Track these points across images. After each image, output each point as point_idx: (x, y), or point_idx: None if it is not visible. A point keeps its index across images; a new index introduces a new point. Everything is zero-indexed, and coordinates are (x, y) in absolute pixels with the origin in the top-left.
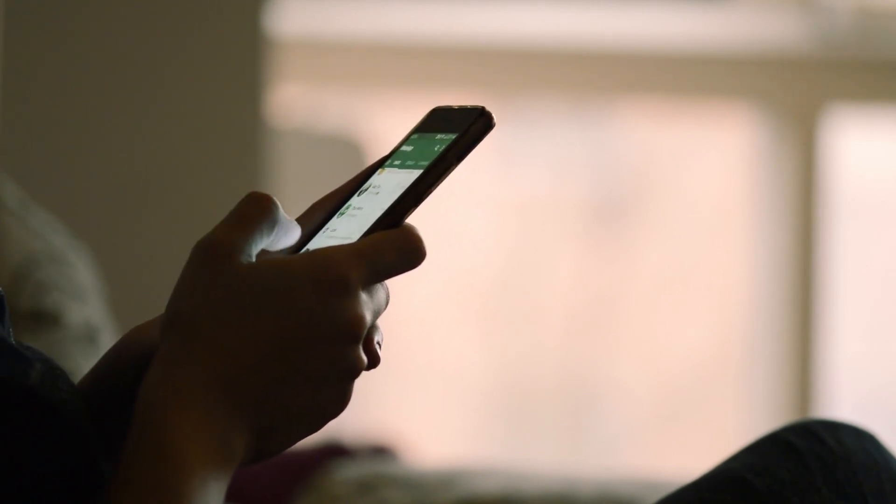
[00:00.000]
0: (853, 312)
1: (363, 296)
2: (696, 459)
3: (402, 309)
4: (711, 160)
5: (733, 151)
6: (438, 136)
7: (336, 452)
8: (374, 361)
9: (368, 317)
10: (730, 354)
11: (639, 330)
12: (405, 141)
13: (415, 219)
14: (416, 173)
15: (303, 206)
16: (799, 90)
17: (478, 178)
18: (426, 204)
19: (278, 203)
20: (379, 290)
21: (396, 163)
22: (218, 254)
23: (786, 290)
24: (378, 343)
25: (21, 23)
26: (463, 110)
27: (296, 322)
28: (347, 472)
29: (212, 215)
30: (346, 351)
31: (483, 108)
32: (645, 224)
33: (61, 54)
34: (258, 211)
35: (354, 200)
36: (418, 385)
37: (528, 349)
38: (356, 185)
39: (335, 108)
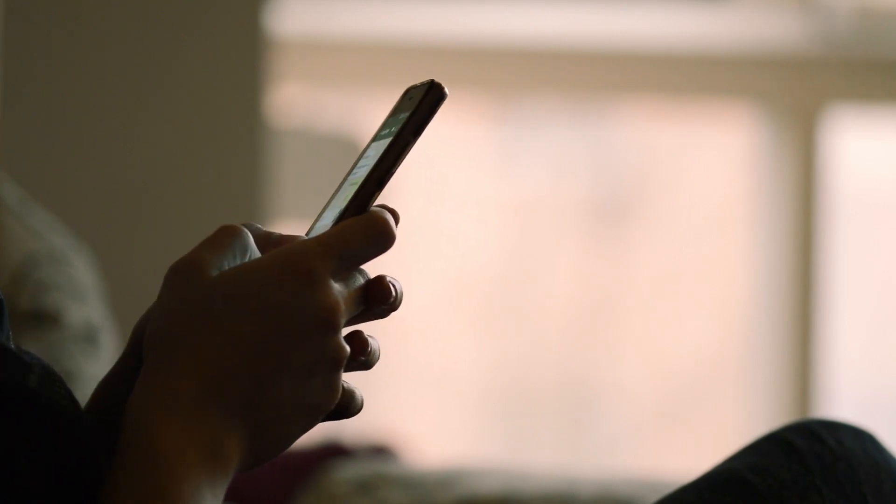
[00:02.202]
0: (853, 312)
1: (335, 285)
2: (696, 459)
3: (402, 309)
4: (711, 160)
5: (733, 151)
6: (400, 116)
7: (336, 452)
8: (361, 349)
9: (343, 305)
10: (730, 354)
11: (639, 330)
12: (383, 124)
13: (414, 218)
14: (377, 157)
15: (303, 206)
16: (799, 90)
17: (478, 178)
18: (426, 204)
19: (249, 233)
20: (356, 277)
21: (371, 147)
22: (190, 272)
23: (786, 290)
24: (367, 339)
25: (21, 23)
26: (420, 87)
27: (270, 319)
28: (347, 472)
29: (212, 215)
30: (325, 340)
31: (432, 81)
32: (645, 224)
33: (61, 54)
34: (230, 237)
35: (342, 187)
36: (418, 385)
37: (528, 349)
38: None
39: (335, 108)
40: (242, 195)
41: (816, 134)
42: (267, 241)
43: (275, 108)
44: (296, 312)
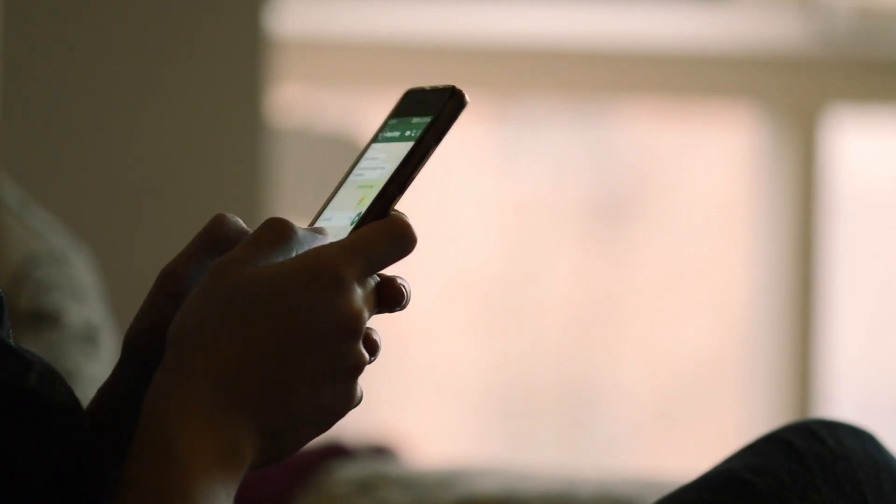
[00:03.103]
0: (853, 312)
1: (358, 290)
2: (696, 459)
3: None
4: (711, 160)
5: (733, 151)
6: (414, 121)
7: (336, 452)
8: (373, 350)
9: (366, 311)
10: (730, 354)
11: (639, 330)
12: (384, 127)
13: (414, 218)
14: (397, 161)
15: (303, 206)
16: (799, 90)
17: (478, 178)
18: (426, 204)
19: (295, 226)
20: (369, 281)
21: (378, 150)
22: (227, 271)
23: (786, 290)
24: (376, 340)
25: (21, 23)
26: (435, 91)
27: (295, 322)
28: (347, 472)
29: (212, 215)
30: (347, 347)
31: (454, 88)
32: (645, 224)
33: (61, 54)
34: (274, 234)
35: (343, 188)
36: (418, 385)
37: (528, 349)
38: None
39: (335, 108)
40: (242, 195)
41: (816, 134)
42: (244, 237)
43: (275, 108)
44: (320, 318)
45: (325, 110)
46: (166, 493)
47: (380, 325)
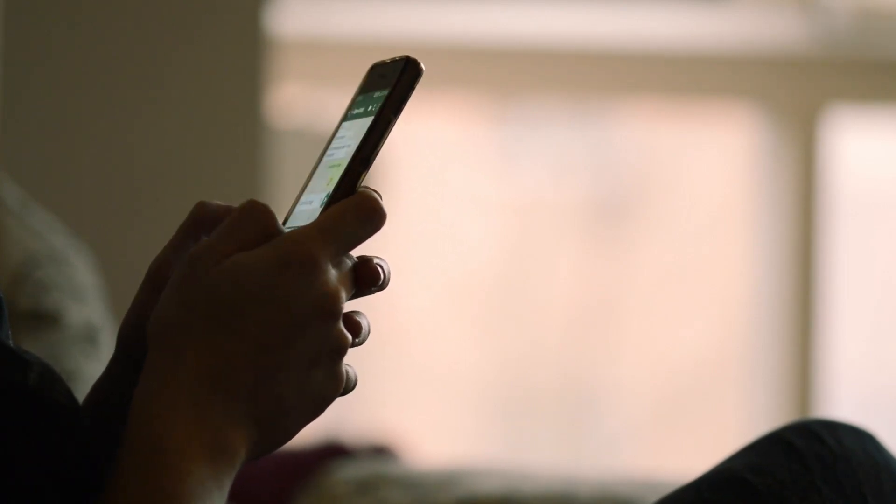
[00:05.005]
0: (853, 312)
1: (332, 271)
2: (696, 459)
3: (402, 309)
4: (711, 160)
5: (733, 151)
6: (376, 95)
7: (336, 452)
8: (356, 332)
9: (343, 291)
10: (730, 354)
11: (639, 330)
12: (352, 104)
13: (414, 218)
14: (360, 138)
15: None
16: (799, 90)
17: (478, 178)
18: (426, 204)
19: (275, 214)
20: (345, 262)
21: (346, 128)
22: (201, 262)
23: (786, 290)
24: (360, 321)
25: (21, 23)
26: (393, 63)
27: (273, 309)
28: (347, 472)
29: None
30: (328, 328)
31: (407, 58)
32: (645, 224)
33: (61, 54)
34: (250, 220)
35: (318, 170)
36: (418, 385)
37: (528, 349)
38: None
39: (335, 108)
40: (242, 195)
41: (816, 134)
42: (227, 215)
43: (275, 108)
44: (299, 301)
45: (325, 110)
46: (157, 491)
47: (381, 324)
